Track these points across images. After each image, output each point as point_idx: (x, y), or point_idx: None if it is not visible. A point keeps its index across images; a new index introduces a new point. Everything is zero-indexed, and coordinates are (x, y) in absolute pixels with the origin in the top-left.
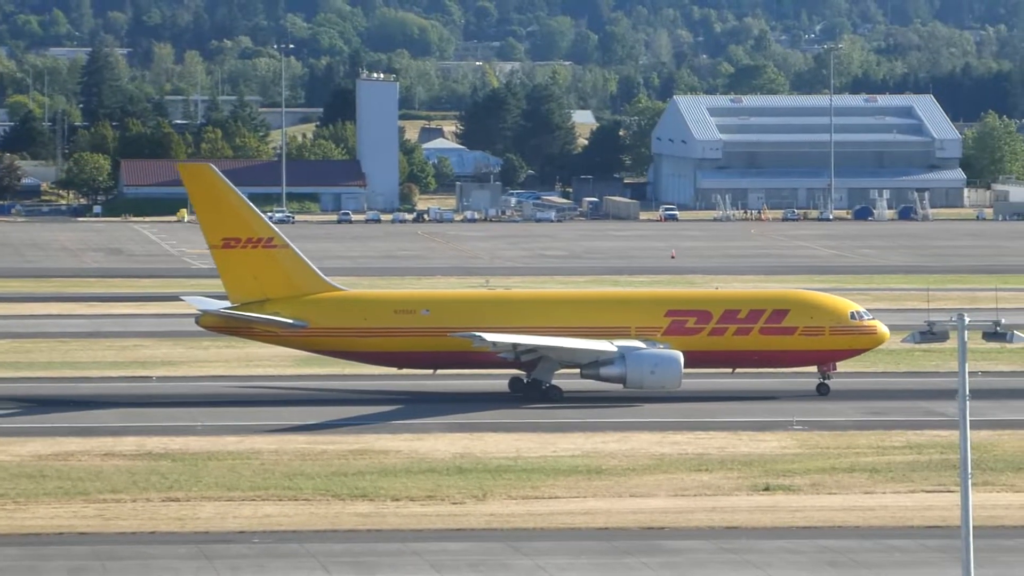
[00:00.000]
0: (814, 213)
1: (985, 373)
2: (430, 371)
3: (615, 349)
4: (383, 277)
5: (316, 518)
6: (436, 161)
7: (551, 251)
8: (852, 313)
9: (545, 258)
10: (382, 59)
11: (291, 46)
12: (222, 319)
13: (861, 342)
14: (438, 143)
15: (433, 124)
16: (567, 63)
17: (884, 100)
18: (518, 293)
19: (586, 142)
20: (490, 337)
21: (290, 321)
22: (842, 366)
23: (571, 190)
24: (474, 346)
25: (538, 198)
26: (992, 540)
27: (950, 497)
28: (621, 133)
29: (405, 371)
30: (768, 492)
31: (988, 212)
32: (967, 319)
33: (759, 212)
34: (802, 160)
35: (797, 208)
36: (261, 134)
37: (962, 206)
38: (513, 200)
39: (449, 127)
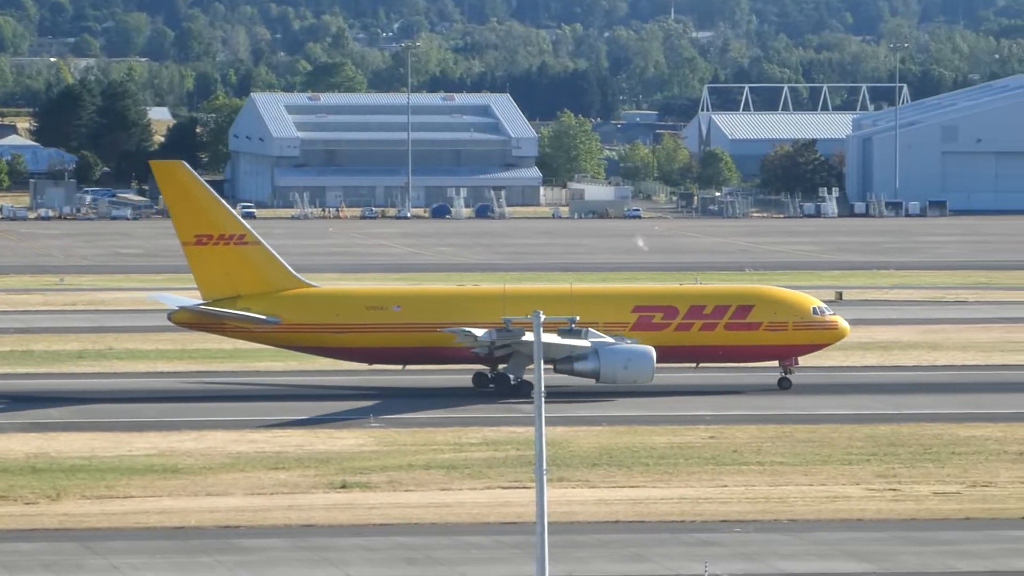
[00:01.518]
0: (392, 211)
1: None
2: (399, 367)
3: (588, 344)
4: None
5: None
6: (9, 158)
7: (127, 249)
8: (814, 308)
9: (121, 256)
10: None
11: None
12: (195, 315)
13: (823, 337)
14: (11, 140)
15: (6, 121)
16: (143, 60)
17: (461, 99)
18: (488, 289)
19: (163, 139)
20: (479, 332)
21: (263, 317)
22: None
23: (147, 188)
24: (456, 341)
25: (114, 196)
26: (567, 535)
27: (525, 493)
28: (198, 130)
29: (371, 366)
30: (345, 489)
31: (564, 210)
32: (543, 316)
33: (337, 210)
34: (380, 158)
35: (375, 206)
36: None
37: (539, 204)
38: (88, 198)
39: (23, 124)
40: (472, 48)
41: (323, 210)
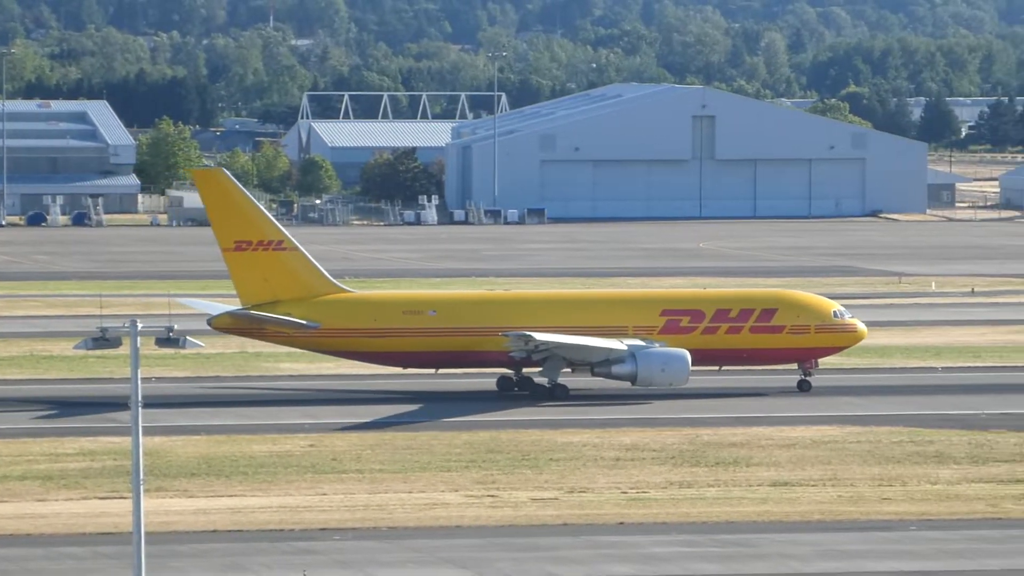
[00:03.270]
0: None
1: (159, 379)
2: (432, 370)
3: (625, 348)
4: None
5: None
6: None
7: None
8: (835, 312)
9: None
10: None
11: None
12: (237, 320)
13: (843, 339)
14: None
15: None
16: None
17: (58, 105)
18: (521, 294)
19: None
20: (540, 336)
21: (303, 322)
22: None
23: None
24: (506, 345)
25: None
26: (164, 545)
27: (123, 503)
28: None
29: (409, 371)
30: None
31: (163, 218)
32: (140, 325)
33: None
34: None
35: None
36: None
37: (137, 212)
38: None
39: None
40: (69, 55)
41: None
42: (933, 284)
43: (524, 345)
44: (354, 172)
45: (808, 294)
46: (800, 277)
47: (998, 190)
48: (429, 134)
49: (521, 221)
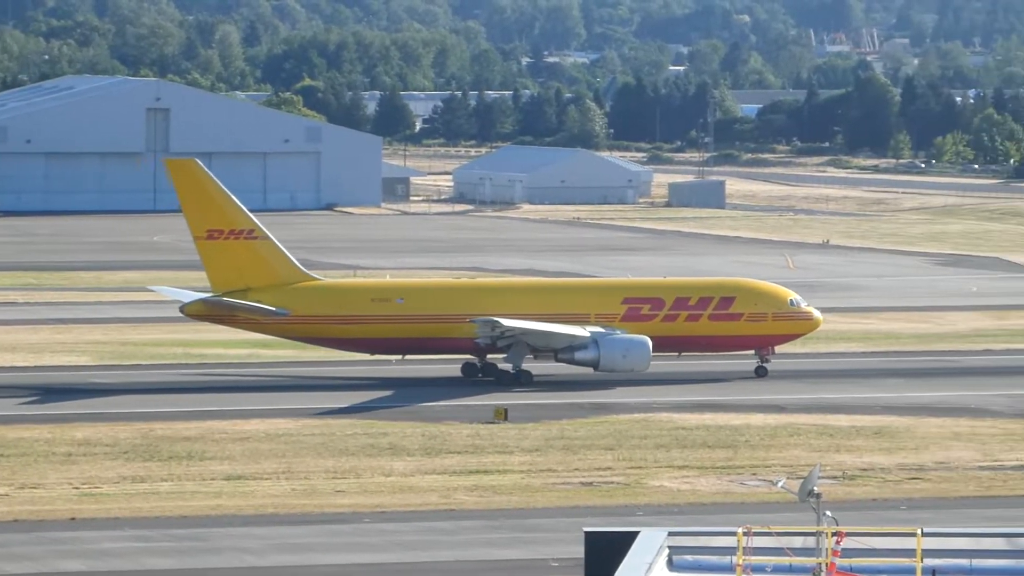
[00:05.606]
0: None
1: None
2: (398, 356)
3: (588, 334)
4: None
5: None
6: None
7: None
8: (791, 300)
9: None
10: None
11: None
12: (208, 307)
13: (800, 327)
14: None
15: None
16: None
17: None
18: (486, 282)
19: None
20: (507, 322)
21: (274, 309)
22: None
23: None
24: (477, 333)
25: None
26: None
27: None
28: None
29: (376, 357)
30: None
31: None
32: None
33: None
34: None
35: None
36: None
37: None
38: None
39: None
40: None
41: None
42: (388, 275)
43: (491, 331)
44: None
45: (766, 283)
46: None
47: (452, 184)
48: None
49: None
